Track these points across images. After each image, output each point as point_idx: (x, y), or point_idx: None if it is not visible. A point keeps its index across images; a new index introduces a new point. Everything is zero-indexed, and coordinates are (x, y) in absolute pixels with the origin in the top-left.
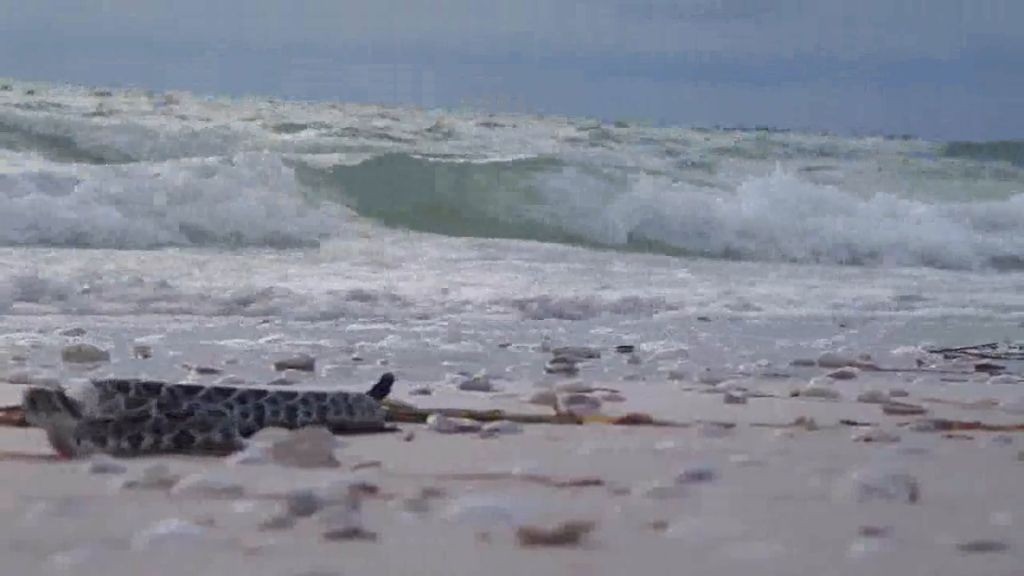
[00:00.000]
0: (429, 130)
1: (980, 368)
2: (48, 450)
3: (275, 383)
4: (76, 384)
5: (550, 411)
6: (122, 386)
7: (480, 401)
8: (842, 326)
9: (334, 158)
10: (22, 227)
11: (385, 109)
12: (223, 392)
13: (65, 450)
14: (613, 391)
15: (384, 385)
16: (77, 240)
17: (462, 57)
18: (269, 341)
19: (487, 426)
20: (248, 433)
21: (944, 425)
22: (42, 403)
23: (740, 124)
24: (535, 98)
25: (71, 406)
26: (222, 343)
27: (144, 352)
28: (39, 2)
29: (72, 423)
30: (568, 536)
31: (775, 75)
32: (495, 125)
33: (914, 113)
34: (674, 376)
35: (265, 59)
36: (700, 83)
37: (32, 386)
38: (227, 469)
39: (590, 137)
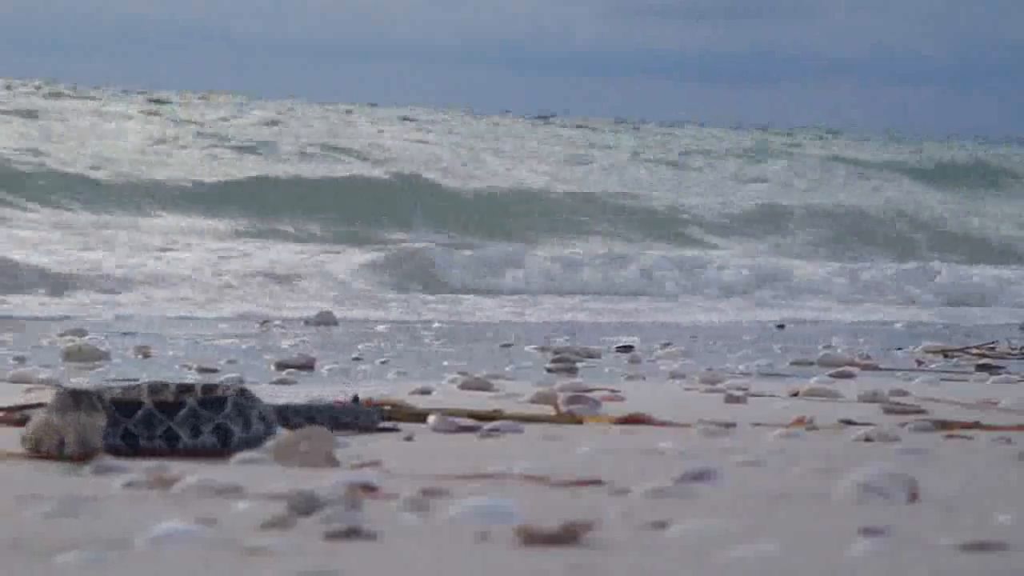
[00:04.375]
0: None
1: (980, 368)
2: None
3: (275, 383)
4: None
5: (550, 411)
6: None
7: (480, 401)
8: None
9: None
10: None
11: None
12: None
13: (88, 451)
14: (613, 391)
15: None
16: None
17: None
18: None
19: (487, 426)
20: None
21: (944, 425)
22: (85, 402)
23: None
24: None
25: (107, 407)
26: (222, 343)
27: (144, 352)
28: None
29: (104, 422)
30: (568, 536)
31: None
32: None
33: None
34: (674, 376)
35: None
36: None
37: (70, 386)
38: (227, 469)
39: None
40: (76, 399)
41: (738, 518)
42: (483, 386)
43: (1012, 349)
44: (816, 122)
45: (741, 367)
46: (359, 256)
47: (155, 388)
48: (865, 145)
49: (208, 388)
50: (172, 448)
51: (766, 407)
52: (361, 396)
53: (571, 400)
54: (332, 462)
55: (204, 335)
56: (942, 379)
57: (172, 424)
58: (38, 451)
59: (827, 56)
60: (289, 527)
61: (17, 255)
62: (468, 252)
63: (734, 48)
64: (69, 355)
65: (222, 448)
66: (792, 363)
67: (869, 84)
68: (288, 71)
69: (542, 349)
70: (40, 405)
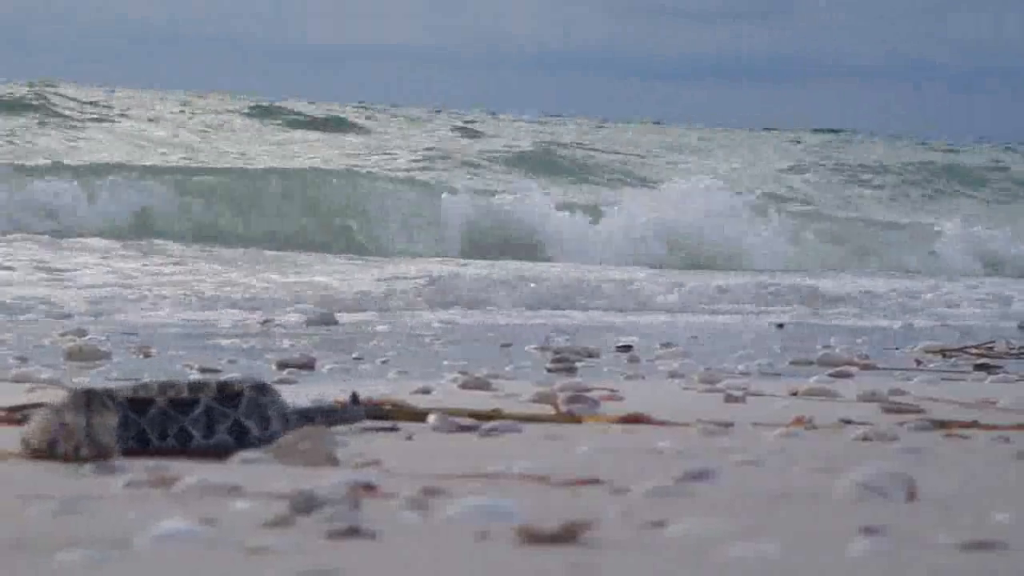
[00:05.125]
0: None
1: (978, 368)
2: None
3: (276, 383)
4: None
5: (550, 410)
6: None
7: (480, 400)
8: None
9: None
10: None
11: None
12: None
13: (105, 451)
14: (613, 391)
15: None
16: None
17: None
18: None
19: (487, 425)
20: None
21: (942, 424)
22: (96, 403)
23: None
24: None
25: (119, 407)
26: (223, 342)
27: (145, 352)
28: None
29: (116, 423)
30: (567, 535)
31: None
32: None
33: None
34: (674, 375)
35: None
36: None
37: (81, 387)
38: (228, 468)
39: None
40: (87, 399)
41: (738, 518)
42: (483, 386)
43: (1010, 349)
44: (817, 124)
45: (741, 367)
46: None
47: (194, 387)
48: None
49: (224, 386)
50: (143, 449)
51: (766, 407)
52: (362, 396)
53: (571, 400)
54: (332, 461)
55: (205, 335)
56: (941, 379)
57: (143, 424)
58: (53, 454)
59: (827, 57)
60: (290, 526)
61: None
62: None
63: (736, 49)
64: (70, 355)
65: (183, 449)
66: (792, 363)
67: (871, 86)
68: (286, 72)
69: (542, 349)
70: (41, 405)
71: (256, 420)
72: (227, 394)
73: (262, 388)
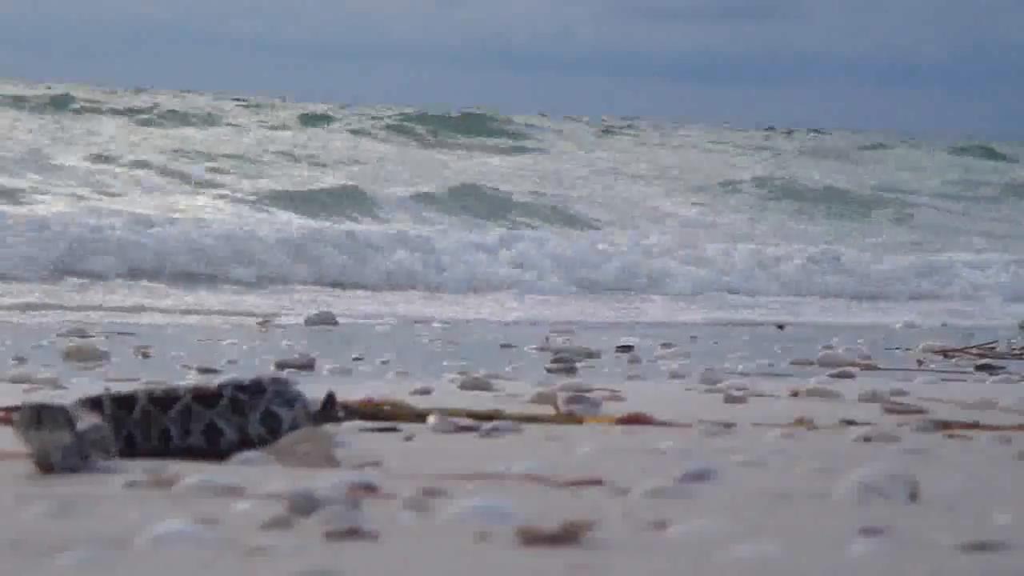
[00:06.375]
0: None
1: (980, 368)
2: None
3: None
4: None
5: (550, 411)
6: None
7: (480, 401)
8: None
9: None
10: None
11: None
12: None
13: (46, 466)
14: (613, 391)
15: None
16: None
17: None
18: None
19: (487, 426)
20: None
21: (943, 425)
22: (48, 419)
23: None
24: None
25: (72, 424)
26: (223, 343)
27: (144, 352)
28: None
29: (68, 441)
30: (568, 536)
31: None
32: None
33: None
34: (674, 376)
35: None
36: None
37: (36, 401)
38: (227, 469)
39: None
40: (39, 416)
41: (738, 518)
42: (483, 386)
43: (1012, 349)
44: (814, 123)
45: (741, 367)
46: None
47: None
48: None
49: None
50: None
51: (766, 407)
52: (363, 396)
53: (571, 400)
54: (332, 462)
55: (204, 335)
56: (942, 379)
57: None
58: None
59: (823, 57)
60: (289, 527)
61: None
62: None
63: (733, 48)
64: (69, 355)
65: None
66: (792, 363)
67: (866, 84)
68: (285, 72)
69: (542, 349)
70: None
71: (178, 427)
72: (165, 399)
73: (202, 397)
